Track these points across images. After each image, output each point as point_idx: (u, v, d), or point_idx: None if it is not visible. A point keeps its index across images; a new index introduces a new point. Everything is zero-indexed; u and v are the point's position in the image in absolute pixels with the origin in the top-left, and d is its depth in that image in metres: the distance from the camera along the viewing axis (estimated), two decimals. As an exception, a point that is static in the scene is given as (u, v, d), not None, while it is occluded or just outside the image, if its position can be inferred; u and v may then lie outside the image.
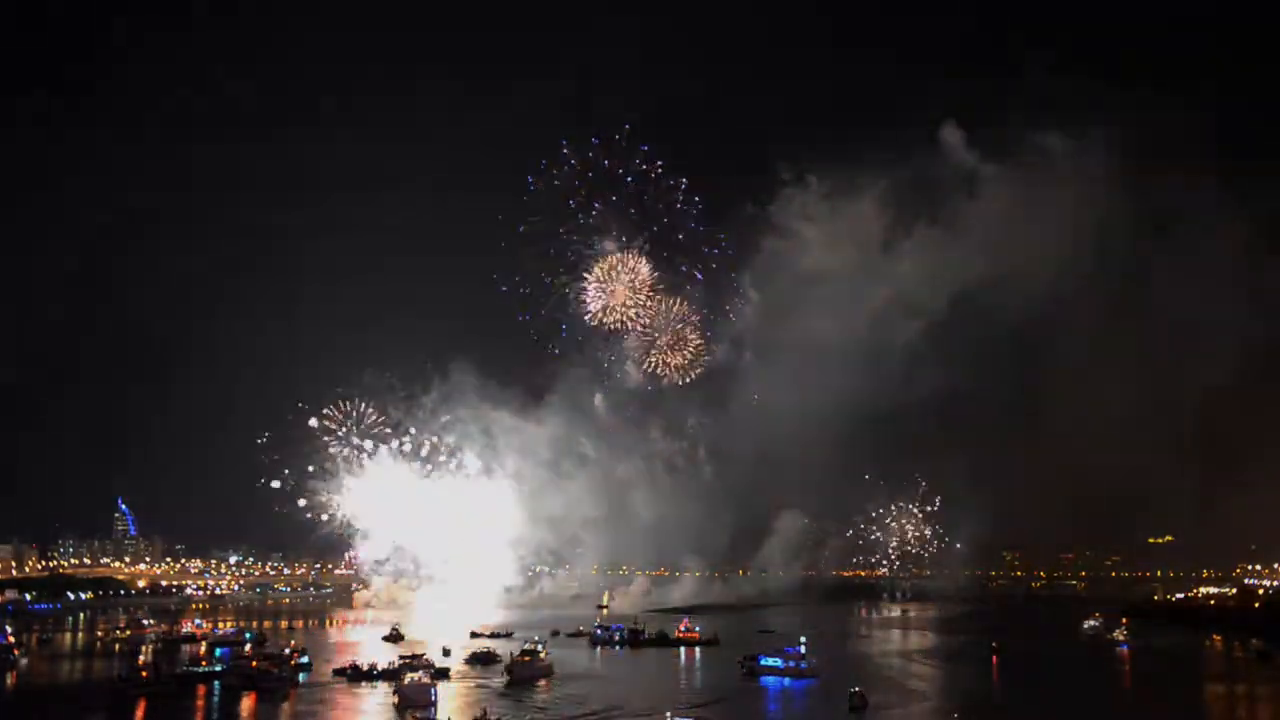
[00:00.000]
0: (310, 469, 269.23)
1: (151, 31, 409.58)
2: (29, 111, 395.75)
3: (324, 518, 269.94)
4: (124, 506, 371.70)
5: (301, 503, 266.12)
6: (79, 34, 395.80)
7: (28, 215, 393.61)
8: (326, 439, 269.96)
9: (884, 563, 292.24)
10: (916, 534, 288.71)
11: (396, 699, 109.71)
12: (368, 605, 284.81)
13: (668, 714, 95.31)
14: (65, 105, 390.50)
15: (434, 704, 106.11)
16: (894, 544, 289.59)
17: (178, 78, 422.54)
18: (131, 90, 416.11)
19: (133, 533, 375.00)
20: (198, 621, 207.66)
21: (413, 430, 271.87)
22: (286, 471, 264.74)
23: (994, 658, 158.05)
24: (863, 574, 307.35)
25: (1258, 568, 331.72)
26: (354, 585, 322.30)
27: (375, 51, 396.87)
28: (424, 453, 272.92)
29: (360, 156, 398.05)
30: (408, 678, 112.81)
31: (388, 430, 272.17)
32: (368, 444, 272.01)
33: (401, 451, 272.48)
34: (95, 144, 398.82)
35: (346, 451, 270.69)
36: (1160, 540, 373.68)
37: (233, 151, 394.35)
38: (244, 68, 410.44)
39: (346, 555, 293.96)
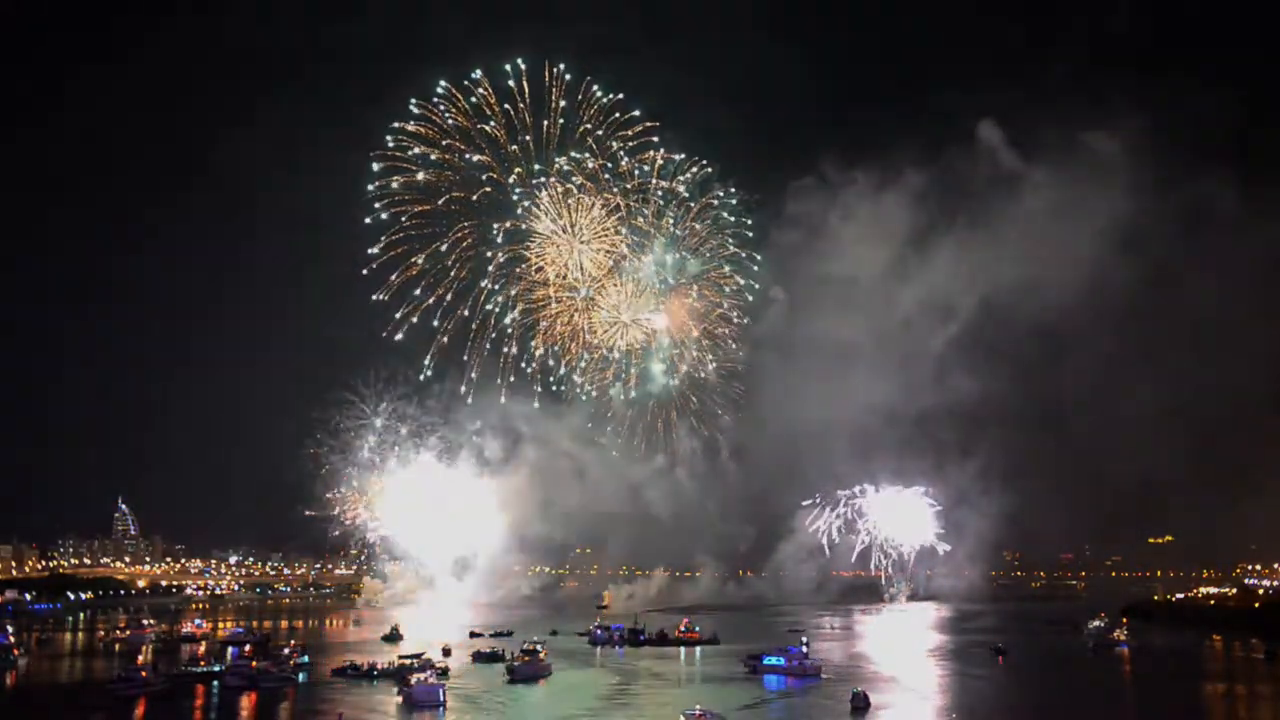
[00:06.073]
0: (321, 466, 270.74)
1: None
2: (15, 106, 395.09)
3: (336, 513, 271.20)
4: (124, 506, 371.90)
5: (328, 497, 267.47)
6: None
7: (25, 212, 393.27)
8: (334, 437, 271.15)
9: (895, 563, 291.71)
10: (926, 534, 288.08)
11: (402, 699, 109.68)
12: (369, 604, 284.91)
13: (696, 709, 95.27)
14: (55, 97, 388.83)
15: (443, 704, 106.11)
16: (905, 544, 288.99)
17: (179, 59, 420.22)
18: (126, 76, 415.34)
19: (133, 533, 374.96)
20: (198, 621, 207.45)
21: (428, 421, 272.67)
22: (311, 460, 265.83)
23: (999, 658, 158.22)
24: (862, 574, 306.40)
25: (1258, 568, 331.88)
26: (355, 585, 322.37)
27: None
28: (443, 446, 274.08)
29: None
30: (414, 678, 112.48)
31: (404, 423, 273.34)
32: (382, 438, 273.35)
33: (417, 444, 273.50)
34: (91, 138, 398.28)
35: (359, 445, 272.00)
36: (1160, 540, 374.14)
37: (235, 146, 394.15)
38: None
39: (355, 549, 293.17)
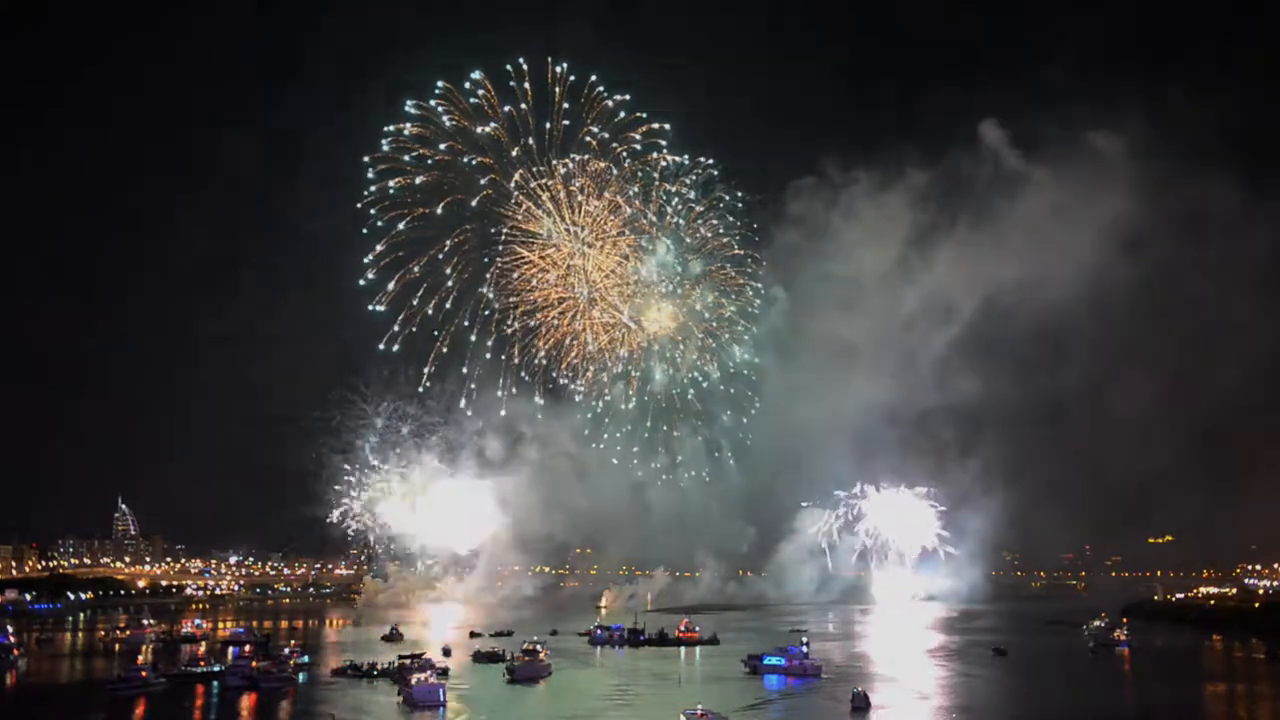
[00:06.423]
0: (324, 466, 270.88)
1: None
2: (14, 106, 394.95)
3: (336, 513, 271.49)
4: (124, 506, 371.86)
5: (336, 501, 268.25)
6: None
7: (23, 212, 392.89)
8: (335, 437, 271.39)
9: (895, 564, 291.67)
10: (927, 535, 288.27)
11: (402, 699, 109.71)
12: (369, 604, 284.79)
13: (698, 708, 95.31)
14: (55, 97, 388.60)
15: (443, 704, 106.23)
16: (906, 545, 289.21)
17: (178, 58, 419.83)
18: (124, 77, 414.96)
19: (133, 533, 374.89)
20: (198, 621, 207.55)
21: (429, 421, 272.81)
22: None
23: (997, 657, 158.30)
24: (863, 575, 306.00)
25: (1258, 568, 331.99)
26: (357, 585, 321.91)
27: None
28: (444, 446, 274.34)
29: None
30: (414, 678, 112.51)
31: (405, 423, 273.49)
32: (383, 438, 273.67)
33: (418, 444, 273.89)
34: (91, 138, 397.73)
35: (360, 445, 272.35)
36: (1160, 540, 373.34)
37: (236, 145, 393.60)
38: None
39: (356, 549, 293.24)
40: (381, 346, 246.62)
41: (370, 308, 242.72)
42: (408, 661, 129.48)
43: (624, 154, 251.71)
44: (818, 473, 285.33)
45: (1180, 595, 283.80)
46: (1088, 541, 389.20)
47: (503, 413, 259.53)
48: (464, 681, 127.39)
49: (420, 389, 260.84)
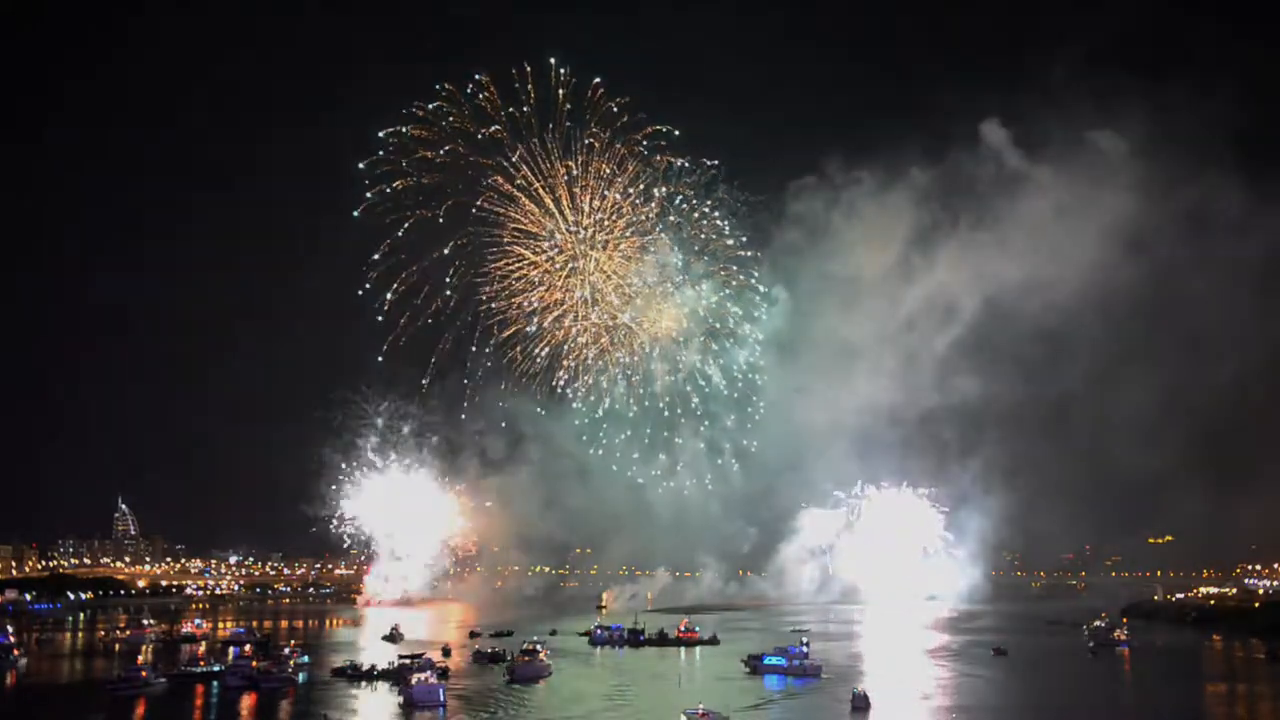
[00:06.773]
0: (324, 466, 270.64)
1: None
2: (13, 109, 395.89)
3: (336, 513, 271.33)
4: (124, 506, 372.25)
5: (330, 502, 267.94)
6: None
7: (23, 214, 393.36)
8: (336, 436, 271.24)
9: (897, 563, 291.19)
10: (928, 535, 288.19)
11: (402, 699, 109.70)
12: (369, 604, 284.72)
13: (699, 708, 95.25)
14: (55, 98, 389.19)
15: (443, 704, 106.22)
16: (906, 545, 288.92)
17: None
18: (125, 78, 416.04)
19: (133, 533, 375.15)
20: (198, 621, 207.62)
21: (430, 421, 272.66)
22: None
23: (997, 657, 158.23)
24: (863, 575, 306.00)
25: (1258, 568, 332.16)
26: (357, 585, 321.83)
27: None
28: (445, 446, 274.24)
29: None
30: (414, 678, 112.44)
31: (405, 422, 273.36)
32: (384, 437, 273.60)
33: (419, 443, 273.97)
34: (90, 140, 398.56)
35: (361, 445, 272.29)
36: (1160, 540, 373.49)
37: (236, 146, 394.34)
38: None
39: (356, 549, 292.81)
40: (381, 357, 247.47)
41: (375, 318, 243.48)
42: (408, 661, 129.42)
43: (627, 156, 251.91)
44: (819, 473, 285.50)
45: (1180, 595, 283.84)
46: (1088, 541, 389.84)
47: (503, 424, 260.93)
48: (464, 681, 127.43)
49: (420, 395, 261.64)
